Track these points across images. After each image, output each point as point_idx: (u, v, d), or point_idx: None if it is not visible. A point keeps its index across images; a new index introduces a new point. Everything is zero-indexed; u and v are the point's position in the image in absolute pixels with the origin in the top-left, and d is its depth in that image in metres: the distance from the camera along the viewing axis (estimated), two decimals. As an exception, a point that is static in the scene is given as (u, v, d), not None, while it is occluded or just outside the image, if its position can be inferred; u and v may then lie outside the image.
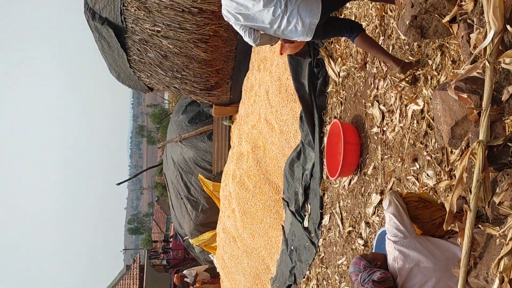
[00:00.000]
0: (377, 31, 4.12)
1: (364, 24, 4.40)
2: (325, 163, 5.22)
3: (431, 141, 3.30)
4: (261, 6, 3.28)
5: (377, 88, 4.15)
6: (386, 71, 3.98)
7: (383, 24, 4.01)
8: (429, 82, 3.31)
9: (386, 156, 4.00)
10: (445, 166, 3.09)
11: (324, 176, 5.47)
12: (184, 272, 12.51)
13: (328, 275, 5.32)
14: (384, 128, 4.03)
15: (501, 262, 1.95)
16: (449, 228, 2.28)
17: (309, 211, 5.90)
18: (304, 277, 6.16)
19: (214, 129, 10.00)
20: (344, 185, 4.90)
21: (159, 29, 6.86)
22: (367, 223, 4.34)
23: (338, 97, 5.10)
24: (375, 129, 4.20)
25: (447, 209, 2.23)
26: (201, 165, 10.60)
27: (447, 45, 3.01)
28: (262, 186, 7.43)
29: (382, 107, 4.07)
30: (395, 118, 3.80)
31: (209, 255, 12.32)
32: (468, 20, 2.42)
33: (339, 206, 5.02)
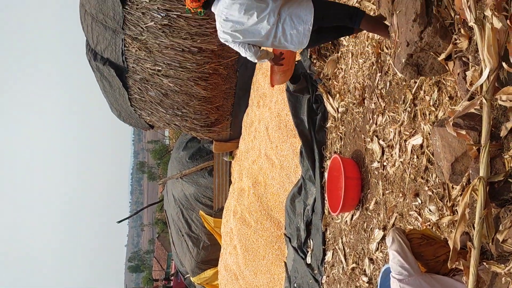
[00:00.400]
0: (374, 67, 4.18)
1: (361, 61, 4.48)
2: (326, 198, 5.19)
3: (431, 176, 3.30)
4: (255, 18, 3.38)
5: (376, 124, 4.18)
6: (384, 106, 4.02)
7: (379, 61, 4.08)
8: (427, 117, 3.33)
9: (387, 191, 3.99)
10: (447, 201, 3.08)
11: (326, 211, 5.44)
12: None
13: (333, 313, 5.21)
14: (385, 163, 4.03)
15: (508, 301, 1.93)
16: (454, 266, 2.25)
17: (311, 247, 5.83)
18: (308, 316, 6.03)
19: (214, 165, 10.01)
20: (346, 221, 4.86)
21: (160, 68, 6.98)
22: (370, 260, 4.29)
23: (338, 132, 5.13)
24: (375, 164, 4.20)
25: (451, 247, 2.21)
26: (202, 201, 10.56)
27: (444, 81, 3.05)
28: (264, 222, 7.37)
29: (381, 142, 4.09)
30: (395, 153, 3.81)
31: (211, 294, 12.09)
32: (463, 58, 2.47)
33: (342, 242, 4.97)
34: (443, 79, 3.05)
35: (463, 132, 2.26)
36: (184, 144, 10.96)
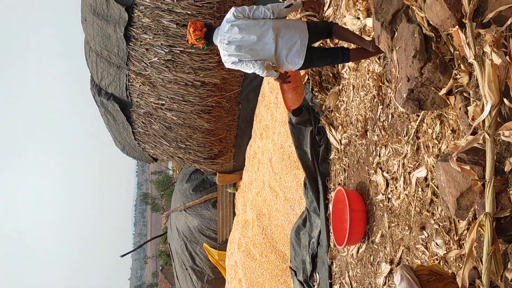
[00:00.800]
0: (375, 100, 4.21)
1: (362, 93, 4.52)
2: (331, 231, 5.15)
3: (437, 209, 3.28)
4: (255, 36, 3.64)
5: (379, 156, 4.18)
6: (387, 138, 4.03)
7: (381, 93, 4.11)
8: (431, 150, 3.33)
9: (393, 224, 3.95)
10: (453, 235, 3.05)
11: (332, 244, 5.37)
12: None
13: None
14: (389, 196, 4.01)
15: None
16: (464, 304, 2.21)
17: (318, 281, 5.74)
18: None
19: (218, 197, 9.98)
20: (353, 254, 4.80)
21: (163, 102, 7.05)
22: (378, 294, 4.21)
23: (341, 164, 5.12)
24: (380, 196, 4.18)
25: (459, 284, 2.18)
26: (206, 234, 10.48)
27: (446, 114, 3.06)
28: (269, 254, 7.28)
29: (385, 174, 4.08)
30: (400, 186, 3.80)
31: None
32: (464, 93, 2.49)
33: (349, 276, 4.89)
34: (445, 112, 3.06)
35: (467, 167, 2.26)
36: (187, 176, 10.97)
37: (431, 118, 3.30)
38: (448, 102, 2.69)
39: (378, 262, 4.25)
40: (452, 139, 3.00)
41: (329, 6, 5.19)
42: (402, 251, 3.78)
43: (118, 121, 7.78)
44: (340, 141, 5.13)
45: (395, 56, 2.85)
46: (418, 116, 3.47)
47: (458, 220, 2.91)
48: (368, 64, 4.39)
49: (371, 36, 4.12)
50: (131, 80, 7.02)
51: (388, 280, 4.02)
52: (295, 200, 6.27)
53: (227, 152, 8.51)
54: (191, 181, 10.83)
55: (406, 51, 2.70)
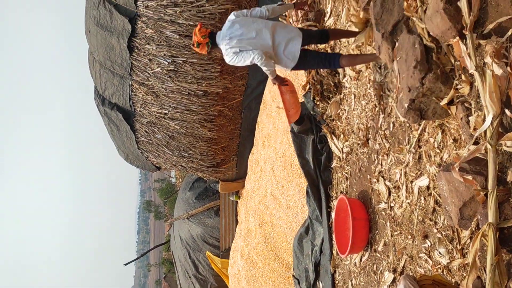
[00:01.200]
0: (376, 109, 4.23)
1: (363, 102, 4.53)
2: (334, 239, 5.14)
3: (440, 217, 3.28)
4: (254, 31, 3.97)
5: (381, 164, 4.19)
6: (388, 147, 4.04)
7: (382, 103, 4.13)
8: (433, 159, 3.34)
9: (396, 233, 3.95)
10: (456, 243, 3.04)
11: (334, 253, 5.37)
12: None
13: None
14: (392, 204, 4.01)
15: None
16: (467, 314, 2.21)
17: (321, 290, 5.73)
18: None
19: (221, 205, 9.99)
20: (355, 262, 4.80)
21: (166, 111, 7.08)
22: (382, 303, 4.20)
23: (343, 173, 5.13)
24: (382, 205, 4.18)
25: (463, 294, 2.18)
26: (209, 242, 10.47)
27: (447, 124, 3.07)
28: (272, 262, 7.27)
29: (387, 183, 4.08)
30: (402, 194, 3.80)
31: None
32: (465, 103, 2.50)
33: (352, 285, 4.88)
34: (447, 122, 3.07)
35: (470, 177, 2.27)
36: (190, 184, 10.98)
37: (433, 128, 3.31)
38: (450, 112, 2.70)
39: (381, 270, 4.24)
40: (454, 148, 3.01)
41: (329, 16, 5.23)
42: (405, 260, 3.77)
43: (122, 131, 7.81)
44: (342, 149, 5.14)
45: (396, 67, 2.87)
46: (420, 125, 3.48)
47: (461, 230, 2.91)
48: (369, 74, 4.41)
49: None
50: (134, 90, 7.06)
51: (392, 289, 4.01)
52: (298, 208, 6.27)
53: (229, 161, 8.53)
54: (194, 189, 10.85)
55: (407, 61, 2.72)
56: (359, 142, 4.68)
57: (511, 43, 2.23)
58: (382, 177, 4.18)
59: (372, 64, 4.24)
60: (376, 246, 4.33)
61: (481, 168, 2.30)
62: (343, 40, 4.91)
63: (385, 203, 4.12)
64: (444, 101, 2.64)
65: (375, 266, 4.38)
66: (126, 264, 14.43)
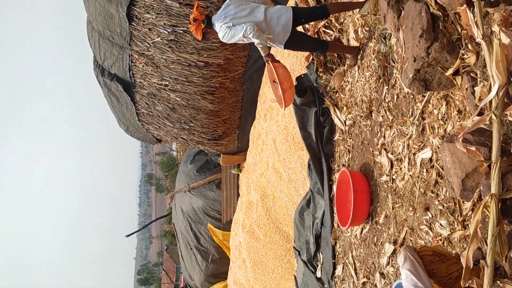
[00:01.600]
0: (380, 81, 4.17)
1: (367, 74, 4.47)
2: (335, 212, 5.16)
3: (442, 190, 3.27)
4: (247, 10, 4.23)
5: (384, 137, 4.16)
6: (392, 119, 4.00)
7: (386, 74, 4.07)
8: (436, 131, 3.31)
9: (397, 205, 3.96)
10: (458, 215, 3.04)
11: (335, 225, 5.40)
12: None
13: (344, 328, 5.15)
14: (394, 177, 4.00)
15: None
16: (467, 285, 2.22)
17: (321, 261, 5.78)
18: (319, 330, 5.96)
19: (222, 178, 10.01)
20: (356, 234, 4.82)
21: (167, 83, 7.01)
22: (381, 274, 4.24)
23: (345, 145, 5.11)
24: (384, 178, 4.17)
25: (464, 265, 2.18)
26: (210, 214, 10.55)
27: (452, 95, 3.03)
28: (273, 235, 7.34)
29: (390, 155, 4.06)
30: (404, 167, 3.78)
31: (221, 308, 12.03)
32: (471, 73, 2.46)
33: (352, 256, 4.92)
34: (451, 93, 3.03)
35: (473, 148, 2.24)
36: (191, 157, 10.99)
37: (437, 99, 3.27)
38: (455, 83, 2.66)
39: (381, 242, 4.27)
40: (458, 120, 2.98)
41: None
42: (406, 232, 3.78)
43: (122, 102, 7.76)
44: (345, 122, 5.10)
45: (401, 36, 2.81)
46: (424, 97, 3.43)
47: (463, 201, 2.91)
48: (374, 44, 4.34)
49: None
50: (134, 61, 6.97)
51: (392, 260, 4.04)
52: (299, 181, 6.28)
53: (231, 133, 8.50)
54: (195, 162, 10.86)
55: (412, 30, 2.66)
56: (362, 114, 4.64)
57: (520, 11, 2.16)
58: (385, 149, 4.16)
59: (377, 34, 4.17)
60: (377, 219, 4.35)
61: (485, 139, 2.27)
62: (349, 12, 4.84)
63: (387, 175, 4.11)
64: (449, 71, 2.60)
65: (375, 238, 4.41)
66: (128, 236, 14.60)
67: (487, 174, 2.23)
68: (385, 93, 4.09)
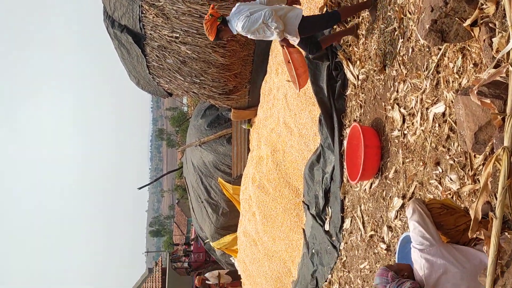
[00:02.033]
0: (396, 33, 4.08)
1: (382, 26, 4.37)
2: (345, 167, 5.18)
3: (453, 144, 3.25)
4: (259, 6, 4.44)
5: (397, 91, 4.11)
6: (406, 73, 3.93)
7: (402, 26, 3.97)
8: (451, 85, 3.26)
9: (407, 160, 3.96)
10: (468, 170, 3.04)
11: (345, 180, 5.44)
12: (206, 275, 12.58)
13: (351, 279, 5.29)
14: (405, 132, 3.98)
15: (529, 271, 1.92)
16: (475, 236, 2.24)
17: (330, 215, 5.87)
18: (326, 281, 6.13)
19: (233, 133, 10.04)
20: (365, 189, 4.86)
21: (177, 35, 6.91)
22: (389, 227, 4.30)
23: (358, 100, 5.06)
24: (395, 132, 4.15)
25: (472, 216, 2.19)
26: (221, 169, 10.66)
27: (469, 47, 2.96)
28: (282, 189, 7.42)
29: (402, 110, 4.03)
30: (416, 122, 3.76)
31: (230, 258, 12.36)
32: (490, 24, 2.38)
33: (360, 210, 4.99)
34: (468, 45, 2.95)
35: (488, 100, 2.21)
36: (202, 111, 10.99)
37: (453, 52, 3.19)
38: (472, 34, 2.59)
39: (390, 196, 4.30)
40: (474, 73, 2.92)
41: None
42: (415, 186, 3.80)
43: (132, 54, 7.70)
44: (358, 76, 5.03)
45: (419, -15, 2.71)
46: (440, 49, 3.36)
47: (474, 155, 2.89)
48: (390, -5, 4.21)
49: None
50: (144, 12, 6.85)
51: (400, 214, 4.09)
52: (310, 136, 6.28)
53: (242, 88, 8.44)
54: (206, 117, 10.87)
55: (431, -22, 2.57)
56: (375, 68, 4.57)
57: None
58: (397, 104, 4.11)
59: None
60: (387, 173, 4.36)
61: (501, 92, 2.23)
62: None
63: (399, 130, 4.09)
64: (467, 22, 2.52)
65: (384, 193, 4.44)
66: (140, 188, 14.86)
67: (500, 127, 2.20)
68: (400, 46, 4.00)
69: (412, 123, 3.84)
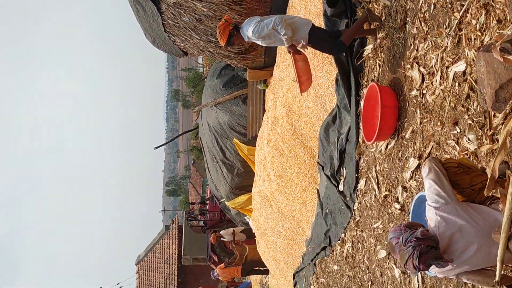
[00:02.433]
0: (418, -11, 3.94)
1: (404, -18, 4.22)
2: (361, 127, 5.15)
3: (473, 104, 3.20)
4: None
5: (417, 50, 4.02)
6: (426, 31, 3.83)
7: (424, -19, 3.83)
8: (472, 42, 3.17)
9: (425, 120, 3.91)
10: (487, 130, 3.00)
11: (360, 140, 5.41)
12: (221, 232, 12.84)
13: (364, 238, 5.35)
14: (424, 91, 3.92)
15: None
16: (491, 194, 2.23)
17: (344, 175, 5.89)
18: (339, 240, 6.22)
19: (248, 93, 9.99)
20: (381, 149, 4.84)
21: (193, -8, 6.80)
22: (404, 188, 4.30)
23: (376, 59, 4.96)
24: (414, 92, 4.09)
25: (489, 175, 2.18)
26: (236, 129, 10.68)
27: (492, 3, 2.85)
28: (297, 150, 7.44)
29: (422, 69, 3.95)
30: (436, 81, 3.69)
31: (245, 217, 12.58)
32: (517, -24, 2.29)
33: (375, 171, 4.98)
34: (492, 1, 2.85)
35: (511, 57, 2.15)
36: (218, 71, 10.92)
37: (476, 8, 3.09)
38: (498, -12, 2.49)
39: (406, 157, 4.28)
40: (497, 30, 2.83)
41: None
42: (432, 147, 3.77)
43: (148, 12, 7.61)
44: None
45: None
46: (463, 5, 3.25)
47: (494, 114, 2.84)
48: (413, -51, 4.05)
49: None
50: (160, -33, 6.73)
51: (415, 175, 4.08)
52: (326, 97, 6.22)
53: (258, 47, 8.33)
54: (222, 77, 10.80)
55: None
56: (395, 26, 4.45)
57: None
58: (417, 63, 4.03)
59: None
60: (404, 134, 4.33)
61: (525, 48, 2.17)
62: None
63: (417, 90, 4.03)
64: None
65: (400, 153, 4.42)
66: (156, 148, 15.03)
67: (523, 84, 2.15)
68: (422, 3, 3.88)
69: (432, 83, 3.77)
